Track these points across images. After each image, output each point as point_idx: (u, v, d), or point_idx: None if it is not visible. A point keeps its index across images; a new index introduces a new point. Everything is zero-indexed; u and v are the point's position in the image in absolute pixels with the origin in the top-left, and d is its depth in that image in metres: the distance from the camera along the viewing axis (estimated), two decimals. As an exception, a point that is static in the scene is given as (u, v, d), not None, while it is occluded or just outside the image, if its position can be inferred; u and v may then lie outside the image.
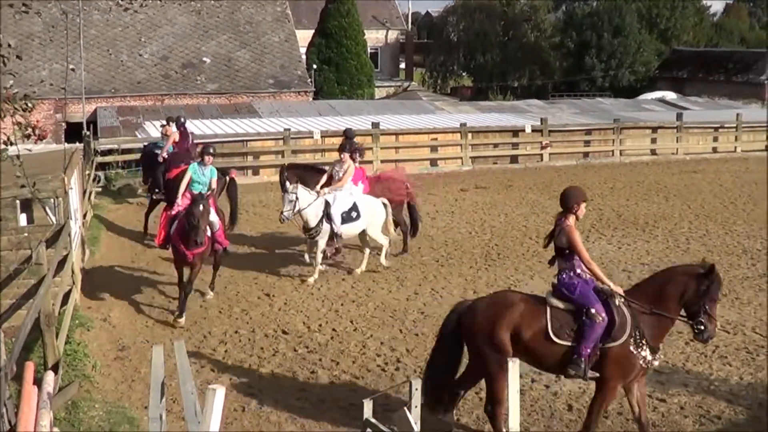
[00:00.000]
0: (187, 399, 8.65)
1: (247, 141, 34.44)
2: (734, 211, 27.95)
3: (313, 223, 19.00)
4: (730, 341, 15.26)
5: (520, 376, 12.25)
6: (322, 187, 19.57)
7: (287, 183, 19.50)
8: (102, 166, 31.85)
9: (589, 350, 10.59)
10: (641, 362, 10.67)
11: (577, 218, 11.39)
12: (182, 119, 27.04)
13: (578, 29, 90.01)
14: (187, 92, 49.65)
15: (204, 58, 52.20)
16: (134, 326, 15.98)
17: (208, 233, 16.27)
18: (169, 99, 48.39)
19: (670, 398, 12.76)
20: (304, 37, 62.29)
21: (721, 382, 13.43)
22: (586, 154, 40.34)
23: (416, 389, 9.54)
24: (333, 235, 19.17)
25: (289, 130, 34.94)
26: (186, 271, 16.51)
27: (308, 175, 21.27)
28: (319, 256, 19.24)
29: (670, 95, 66.39)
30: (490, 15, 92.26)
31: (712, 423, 12.13)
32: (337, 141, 34.07)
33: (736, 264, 20.94)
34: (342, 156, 20.22)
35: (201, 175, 18.25)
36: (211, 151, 18.67)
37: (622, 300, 10.82)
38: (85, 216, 22.69)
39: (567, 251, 11.22)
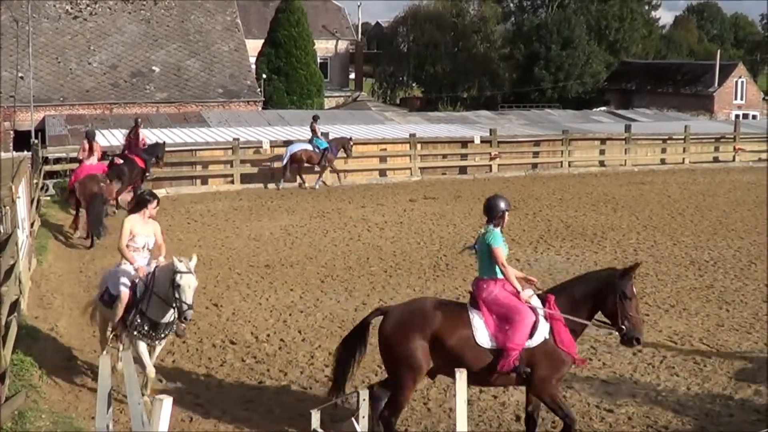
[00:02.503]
0: (134, 409, 8.59)
1: (195, 150, 34.31)
2: (682, 222, 28.16)
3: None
4: (678, 352, 15.35)
5: (469, 387, 12.32)
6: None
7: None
8: (50, 175, 31.61)
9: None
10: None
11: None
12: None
13: (527, 41, 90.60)
14: (136, 101, 49.49)
15: (153, 67, 52.03)
16: (82, 336, 15.81)
17: None
18: (118, 108, 48.22)
19: (617, 408, 12.80)
20: (254, 46, 62.18)
21: (669, 393, 13.50)
22: (534, 165, 40.52)
23: (364, 399, 9.53)
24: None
25: (238, 139, 34.84)
26: None
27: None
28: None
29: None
30: (440, 26, 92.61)
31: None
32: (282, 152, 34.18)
33: (684, 275, 21.09)
34: None
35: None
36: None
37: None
38: (32, 225, 22.48)
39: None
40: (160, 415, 7.66)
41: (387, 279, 20.22)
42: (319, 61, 68.37)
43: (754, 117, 74.01)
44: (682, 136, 44.88)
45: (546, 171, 40.06)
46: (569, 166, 40.92)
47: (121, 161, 29.34)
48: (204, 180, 34.10)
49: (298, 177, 34.84)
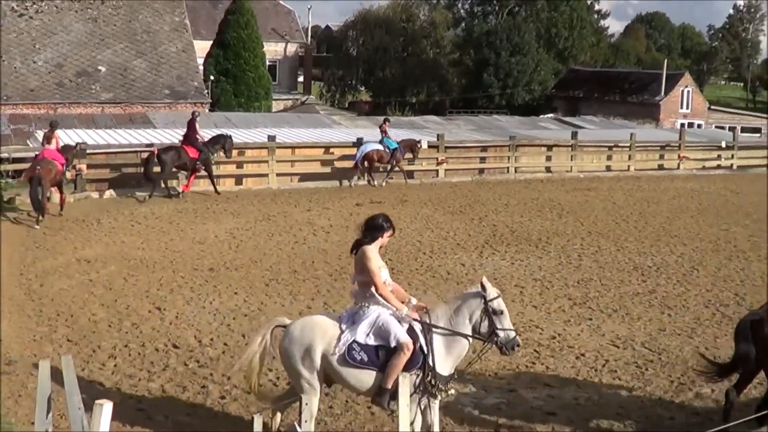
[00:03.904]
0: (74, 414, 8.51)
1: (141, 152, 33.99)
2: (626, 228, 28.34)
3: None
4: (620, 356, 15.45)
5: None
6: None
7: None
8: (-8, 176, 31.34)
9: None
10: None
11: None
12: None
13: (477, 47, 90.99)
14: (81, 101, 49.13)
15: (99, 67, 51.70)
16: (21, 340, 15.66)
17: None
18: (63, 108, 47.82)
19: (560, 412, 12.86)
20: (202, 47, 61.95)
21: (611, 396, 13.58)
22: (481, 171, 40.61)
23: (306, 404, 9.50)
24: None
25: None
26: None
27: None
28: None
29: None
30: (389, 30, 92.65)
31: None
32: (234, 154, 34.05)
33: (627, 280, 21.23)
34: None
35: None
36: None
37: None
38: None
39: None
40: (100, 421, 7.59)
41: (332, 283, 20.18)
42: (267, 63, 68.24)
43: (699, 126, 74.71)
44: (628, 144, 45.17)
45: (492, 176, 40.16)
46: (516, 171, 41.05)
47: (159, 152, 31.47)
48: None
49: (367, 175, 36.66)
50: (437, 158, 39.16)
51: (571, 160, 42.99)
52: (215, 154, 33.32)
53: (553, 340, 16.14)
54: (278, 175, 35.08)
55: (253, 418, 8.96)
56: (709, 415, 12.74)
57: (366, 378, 10.59)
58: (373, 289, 10.71)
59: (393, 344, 10.48)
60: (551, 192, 36.01)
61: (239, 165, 35.10)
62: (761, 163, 50.06)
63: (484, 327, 10.74)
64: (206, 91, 54.91)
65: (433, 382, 10.52)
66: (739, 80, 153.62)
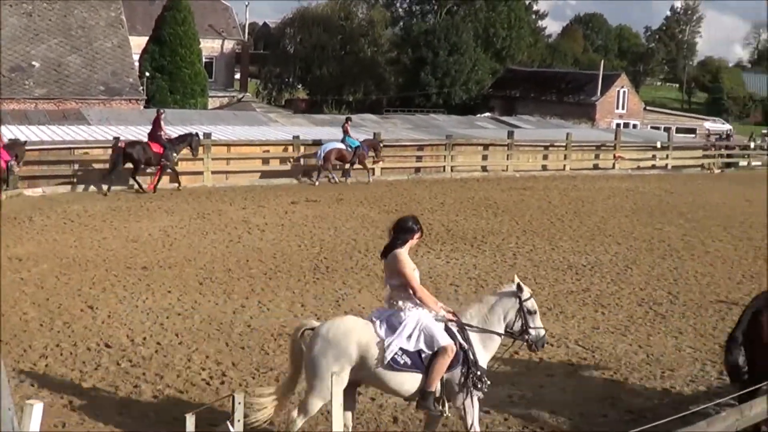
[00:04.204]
0: (4, 415, 8.39)
1: (74, 149, 33.70)
2: (561, 227, 28.51)
3: None
4: (554, 354, 15.49)
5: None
6: None
7: None
8: None
9: None
10: None
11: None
12: None
13: (415, 46, 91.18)
14: (14, 97, 48.62)
15: (33, 62, 51.23)
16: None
17: None
18: (-5, 103, 47.25)
19: (494, 410, 12.86)
20: (138, 43, 61.61)
21: (545, 394, 13.61)
22: (417, 170, 40.70)
23: (239, 403, 9.42)
24: None
25: (118, 138, 34.20)
26: None
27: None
28: None
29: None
30: (327, 28, 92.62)
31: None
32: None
33: (561, 279, 21.33)
34: None
35: None
36: None
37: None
38: None
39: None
40: (31, 421, 7.48)
41: (266, 281, 20.09)
42: (204, 60, 68.12)
43: (634, 126, 75.50)
44: (564, 144, 45.50)
45: (429, 175, 40.25)
46: (452, 170, 41.17)
47: (125, 146, 32.43)
48: (82, 179, 33.42)
49: (329, 173, 37.28)
50: (374, 157, 39.15)
51: (508, 159, 43.22)
52: (179, 153, 33.78)
53: (486, 340, 16.17)
54: (213, 173, 34.92)
55: (185, 417, 8.88)
56: (642, 413, 12.81)
57: (408, 381, 10.55)
58: (410, 291, 10.68)
59: (436, 348, 10.44)
60: (487, 191, 36.16)
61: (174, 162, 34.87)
62: (695, 164, 50.69)
63: (517, 325, 10.94)
64: (141, 87, 54.59)
65: (478, 374, 10.64)
66: (674, 81, 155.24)
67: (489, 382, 10.88)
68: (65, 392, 13.19)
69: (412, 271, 10.70)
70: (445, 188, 36.49)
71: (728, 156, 54.77)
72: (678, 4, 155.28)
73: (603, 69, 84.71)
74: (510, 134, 44.62)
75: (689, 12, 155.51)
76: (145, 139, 33.43)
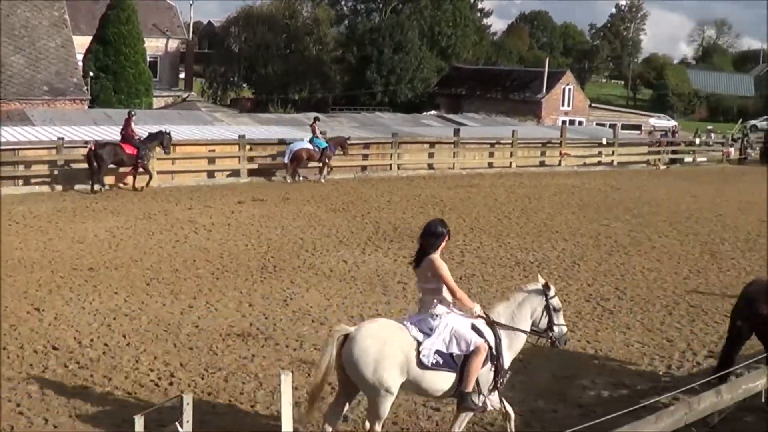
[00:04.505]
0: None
1: (18, 149, 33.35)
2: (508, 224, 28.61)
3: None
4: (502, 352, 15.53)
5: (296, 388, 12.28)
6: None
7: None
8: None
9: None
10: None
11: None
12: None
13: (360, 44, 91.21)
14: (-43, 98, 48.06)
15: (-25, 63, 50.61)
16: None
17: None
18: (-63, 104, 46.75)
19: (444, 407, 12.85)
20: (82, 43, 61.05)
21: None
22: (364, 168, 40.66)
23: (188, 404, 9.38)
24: None
25: (62, 139, 34.00)
26: None
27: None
28: None
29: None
30: (272, 27, 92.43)
31: (485, 430, 12.35)
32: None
33: (509, 276, 21.40)
34: None
35: None
36: None
37: None
38: None
39: None
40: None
41: (214, 281, 20.01)
42: (148, 59, 67.72)
43: (580, 123, 75.96)
44: (510, 141, 45.67)
45: (375, 173, 40.27)
46: (398, 168, 41.20)
47: (95, 147, 32.57)
48: (27, 180, 33.09)
49: (294, 172, 37.52)
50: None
51: (454, 157, 43.31)
52: (152, 151, 34.11)
53: (437, 337, 16.18)
54: (159, 172, 34.72)
55: (134, 419, 8.83)
56: (592, 408, 12.87)
57: (441, 380, 10.67)
58: (445, 294, 10.86)
59: (471, 348, 10.62)
60: (434, 189, 36.23)
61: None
62: (641, 160, 51.06)
63: (543, 323, 11.28)
64: (86, 87, 54.13)
65: (501, 373, 10.90)
66: (619, 78, 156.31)
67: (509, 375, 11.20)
68: (13, 395, 13.08)
69: (449, 274, 10.87)
70: (392, 186, 36.53)
71: (673, 152, 55.18)
72: (623, 2, 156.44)
73: (548, 66, 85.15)
74: (456, 132, 44.75)
75: (634, 10, 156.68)
76: (112, 140, 33.93)
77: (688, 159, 56.01)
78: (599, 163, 49.02)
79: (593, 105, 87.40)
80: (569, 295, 19.77)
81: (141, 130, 35.00)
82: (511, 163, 45.37)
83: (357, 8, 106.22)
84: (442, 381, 10.66)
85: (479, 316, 10.96)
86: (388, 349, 10.44)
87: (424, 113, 71.32)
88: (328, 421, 10.96)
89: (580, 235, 27.15)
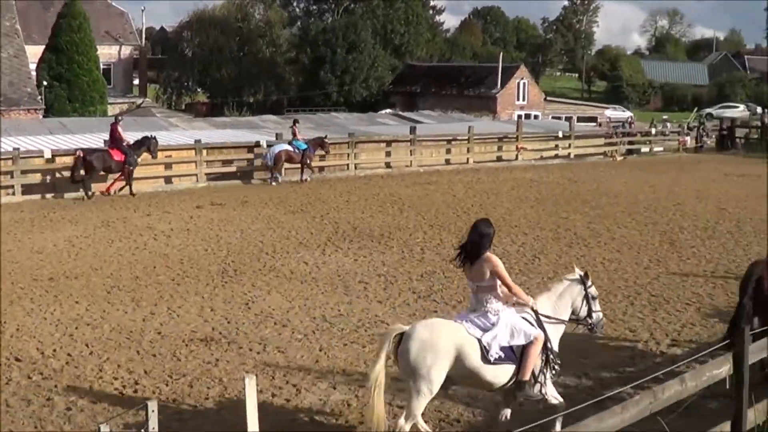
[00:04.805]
0: None
1: (-25, 161, 33.16)
2: (467, 220, 28.53)
3: None
4: (466, 348, 15.58)
5: (261, 392, 12.28)
6: None
7: None
8: None
9: None
10: None
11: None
12: None
13: (314, 45, 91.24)
14: None
15: (-72, 76, 50.23)
16: None
17: None
18: None
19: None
20: (35, 52, 60.71)
21: (459, 387, 13.67)
22: (321, 168, 40.66)
23: (153, 411, 9.36)
24: None
25: (18, 149, 33.87)
26: None
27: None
28: None
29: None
30: (225, 30, 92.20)
31: (451, 426, 12.37)
32: (69, 160, 33.49)
33: (470, 272, 21.44)
34: None
35: None
36: None
37: None
38: None
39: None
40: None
41: (175, 287, 19.95)
42: (102, 67, 67.32)
43: (535, 117, 76.30)
44: (466, 137, 45.81)
45: (333, 174, 40.29)
46: (356, 168, 41.23)
47: (84, 154, 33.16)
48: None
49: (278, 174, 38.04)
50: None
51: (411, 154, 43.39)
52: (139, 157, 34.55)
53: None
54: (115, 179, 34.60)
55: (99, 428, 8.80)
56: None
57: (502, 373, 10.96)
58: (496, 291, 11.15)
59: (528, 339, 10.98)
60: (392, 187, 36.28)
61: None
62: (598, 152, 51.32)
63: (583, 311, 11.79)
64: (39, 96, 53.85)
65: (554, 359, 11.34)
66: (573, 71, 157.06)
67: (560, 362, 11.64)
68: (-25, 409, 12.99)
69: (506, 271, 11.26)
70: (350, 186, 36.56)
71: (630, 143, 55.51)
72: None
73: (502, 61, 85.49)
74: (412, 130, 44.83)
75: (586, 2, 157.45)
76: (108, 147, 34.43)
77: (645, 149, 56.34)
78: (556, 156, 49.25)
79: (548, 98, 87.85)
80: (530, 289, 19.72)
81: (128, 136, 35.57)
82: (468, 159, 45.50)
83: (309, 9, 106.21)
84: (504, 374, 10.98)
85: (533, 309, 11.30)
86: (443, 346, 10.63)
87: (380, 112, 71.45)
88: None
89: (539, 228, 27.27)
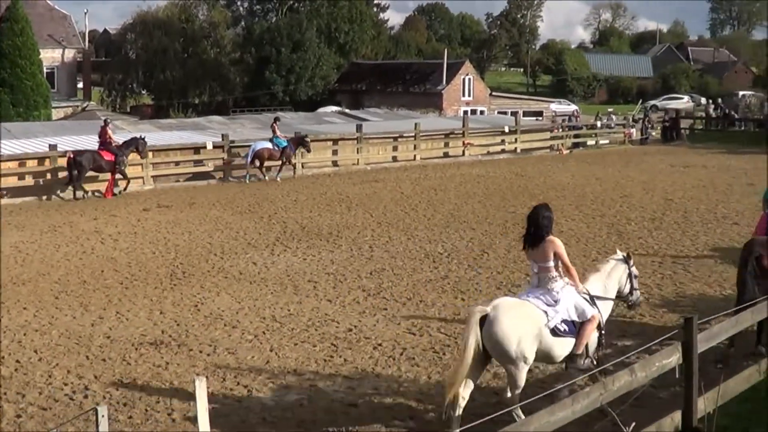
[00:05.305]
0: None
1: None
2: (415, 217, 28.73)
3: None
4: (417, 343, 15.60)
5: (212, 393, 12.24)
6: None
7: None
8: None
9: None
10: None
11: None
12: None
13: (258, 45, 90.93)
14: None
15: None
16: None
17: None
18: None
19: (361, 403, 12.90)
20: (-24, 58, 60.14)
21: (411, 383, 13.70)
22: (268, 168, 40.53)
23: (103, 416, 9.30)
24: None
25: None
26: None
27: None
28: None
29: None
30: (169, 32, 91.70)
31: (403, 423, 12.35)
32: (14, 166, 33.23)
33: (419, 268, 21.49)
34: None
35: None
36: None
37: None
38: None
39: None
40: None
41: (123, 291, 19.83)
42: (45, 70, 66.86)
43: (481, 112, 76.49)
44: (413, 134, 45.90)
45: (280, 174, 40.15)
46: (303, 167, 41.17)
47: (74, 155, 33.90)
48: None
49: (258, 172, 39.06)
50: (223, 158, 39.03)
51: (358, 152, 43.39)
52: (128, 157, 35.39)
53: (350, 333, 16.21)
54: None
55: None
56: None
57: (566, 346, 11.64)
58: (554, 272, 11.91)
59: (588, 316, 11.78)
60: (339, 186, 36.31)
61: (21, 176, 34.27)
62: (544, 146, 51.59)
63: (627, 289, 12.74)
64: (-18, 102, 53.34)
65: (603, 336, 12.21)
66: (518, 66, 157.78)
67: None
68: (-77, 420, 12.86)
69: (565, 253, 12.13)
70: (297, 185, 36.56)
71: (576, 136, 55.84)
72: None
73: (447, 58, 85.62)
74: (358, 128, 44.81)
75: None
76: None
77: (591, 142, 56.75)
78: (503, 151, 49.45)
79: (494, 94, 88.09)
80: (480, 284, 19.92)
81: (117, 137, 36.50)
82: (415, 155, 45.60)
83: (253, 9, 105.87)
84: (566, 347, 11.70)
85: (586, 291, 12.10)
86: (526, 324, 11.33)
87: (323, 108, 71.51)
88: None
89: (487, 223, 27.37)
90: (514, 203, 31.09)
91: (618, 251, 13.16)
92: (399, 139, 46.26)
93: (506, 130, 50.88)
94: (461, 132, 48.33)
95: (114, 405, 12.84)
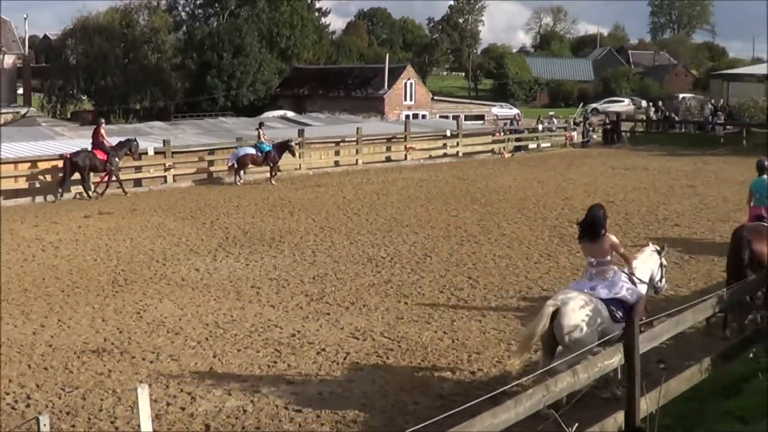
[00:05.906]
0: None
1: None
2: (358, 221, 28.75)
3: None
4: (361, 347, 15.62)
5: (155, 401, 12.18)
6: None
7: None
8: None
9: None
10: None
11: None
12: None
13: (199, 50, 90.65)
14: None
15: None
16: None
17: None
18: None
19: (305, 408, 12.88)
20: None
21: (355, 387, 13.69)
22: (210, 174, 40.40)
23: (45, 425, 9.22)
24: None
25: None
26: None
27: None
28: None
29: (291, 114, 68.32)
30: (109, 37, 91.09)
31: (348, 428, 12.35)
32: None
33: (362, 272, 21.50)
34: None
35: None
36: None
37: None
38: None
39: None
40: None
41: (65, 298, 19.67)
42: (-16, 77, 66.17)
43: (423, 116, 76.45)
44: (355, 138, 45.94)
45: (222, 179, 40.03)
46: (244, 173, 41.01)
47: (70, 156, 34.86)
48: None
49: (238, 176, 39.39)
50: (164, 164, 38.83)
51: (300, 157, 43.30)
52: (121, 158, 36.18)
53: (293, 338, 16.19)
54: (3, 191, 34.08)
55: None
56: (452, 397, 13.01)
57: (619, 329, 12.13)
58: (610, 265, 13.26)
59: (637, 298, 13.09)
60: (281, 191, 36.27)
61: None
62: (486, 149, 51.79)
63: (658, 276, 14.18)
64: None
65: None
66: (460, 70, 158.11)
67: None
68: None
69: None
70: (239, 191, 36.47)
71: (517, 140, 56.11)
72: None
73: (389, 62, 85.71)
74: (300, 132, 44.79)
75: (471, 1, 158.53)
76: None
77: (533, 145, 57.07)
78: (445, 155, 49.58)
79: (435, 98, 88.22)
80: (423, 287, 19.96)
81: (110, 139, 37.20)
82: (357, 160, 45.63)
83: (195, 13, 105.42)
84: (619, 330, 12.23)
85: (630, 273, 13.44)
86: (592, 317, 12.40)
87: (269, 113, 71.37)
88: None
89: (430, 227, 27.43)
90: (456, 207, 31.19)
91: (650, 244, 14.46)
92: (341, 144, 46.31)
93: (448, 134, 51.04)
94: (403, 136, 48.43)
95: (56, 414, 12.75)
